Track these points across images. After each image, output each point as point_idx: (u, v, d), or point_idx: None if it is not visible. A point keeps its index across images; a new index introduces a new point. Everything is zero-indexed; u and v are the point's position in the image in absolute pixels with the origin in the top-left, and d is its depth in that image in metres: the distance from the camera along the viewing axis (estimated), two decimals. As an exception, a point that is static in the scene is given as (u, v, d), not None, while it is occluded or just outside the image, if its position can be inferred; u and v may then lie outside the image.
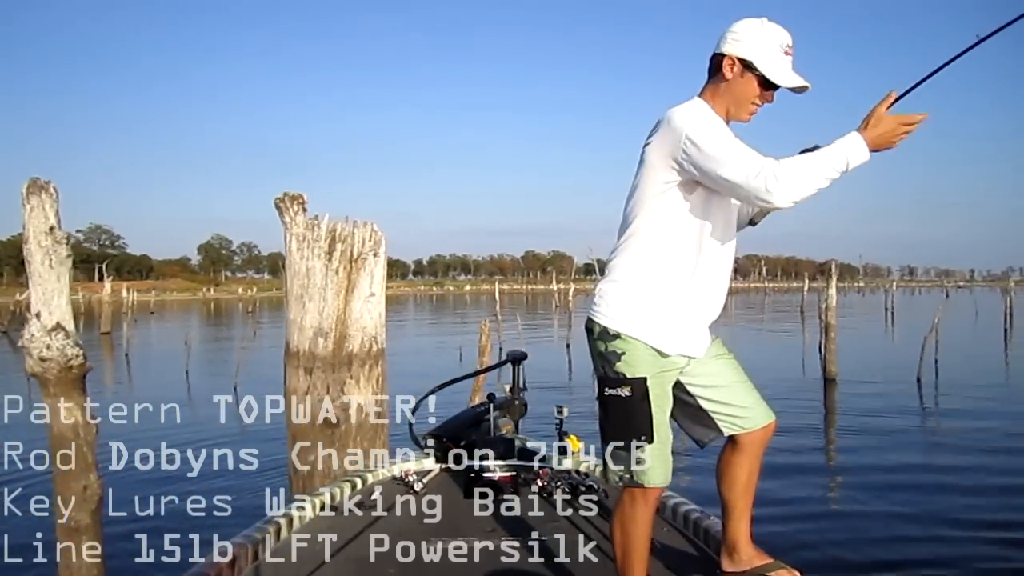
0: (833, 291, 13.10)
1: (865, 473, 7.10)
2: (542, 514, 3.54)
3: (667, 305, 2.33)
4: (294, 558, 2.98)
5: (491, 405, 4.32)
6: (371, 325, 4.15)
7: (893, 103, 2.18)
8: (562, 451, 4.09)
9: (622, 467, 2.29)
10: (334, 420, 4.04)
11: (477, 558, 3.00)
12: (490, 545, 3.11)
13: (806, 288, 53.08)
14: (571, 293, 28.40)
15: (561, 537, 3.05)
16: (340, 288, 4.06)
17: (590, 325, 2.35)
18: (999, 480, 6.78)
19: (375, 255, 4.16)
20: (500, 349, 18.81)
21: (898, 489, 6.44)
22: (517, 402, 4.43)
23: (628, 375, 2.28)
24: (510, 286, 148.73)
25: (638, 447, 2.27)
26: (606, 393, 2.30)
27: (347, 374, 4.07)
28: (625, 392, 2.27)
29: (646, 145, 2.27)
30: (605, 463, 2.35)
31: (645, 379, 2.29)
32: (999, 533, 5.36)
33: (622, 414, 2.29)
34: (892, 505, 6.03)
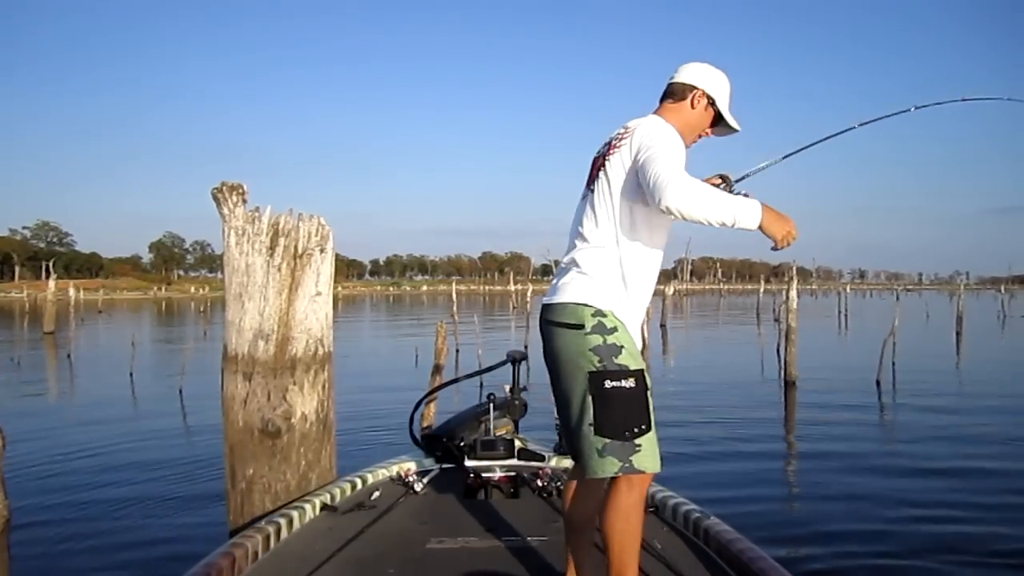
0: (794, 293, 12.97)
1: (829, 476, 6.93)
2: (542, 514, 3.50)
3: (638, 304, 2.50)
4: (294, 558, 2.94)
5: (491, 405, 4.32)
6: (317, 327, 3.83)
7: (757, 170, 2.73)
8: (562, 451, 4.06)
9: (619, 458, 2.32)
10: (275, 430, 3.71)
11: (477, 558, 2.96)
12: (490, 545, 3.09)
13: (761, 290, 53.49)
14: (529, 294, 28.09)
15: (561, 537, 2.96)
16: (283, 286, 3.73)
17: (573, 317, 2.39)
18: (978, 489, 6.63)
19: (322, 251, 3.84)
20: (456, 351, 18.51)
21: (870, 499, 6.28)
22: (517, 402, 4.40)
23: (632, 367, 2.36)
24: (467, 287, 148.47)
25: (637, 436, 2.33)
26: (607, 386, 2.33)
27: (290, 380, 3.74)
28: (629, 383, 2.34)
29: (611, 153, 2.45)
30: (593, 457, 2.33)
31: (643, 370, 2.39)
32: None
33: (624, 406, 2.34)
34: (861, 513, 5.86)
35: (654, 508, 3.42)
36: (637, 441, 2.33)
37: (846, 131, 3.07)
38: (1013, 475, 7.03)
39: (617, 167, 2.43)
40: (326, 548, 3.02)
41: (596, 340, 2.36)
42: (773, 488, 6.83)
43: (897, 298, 79.22)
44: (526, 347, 19.73)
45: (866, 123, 3.11)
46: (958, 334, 25.24)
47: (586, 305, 2.39)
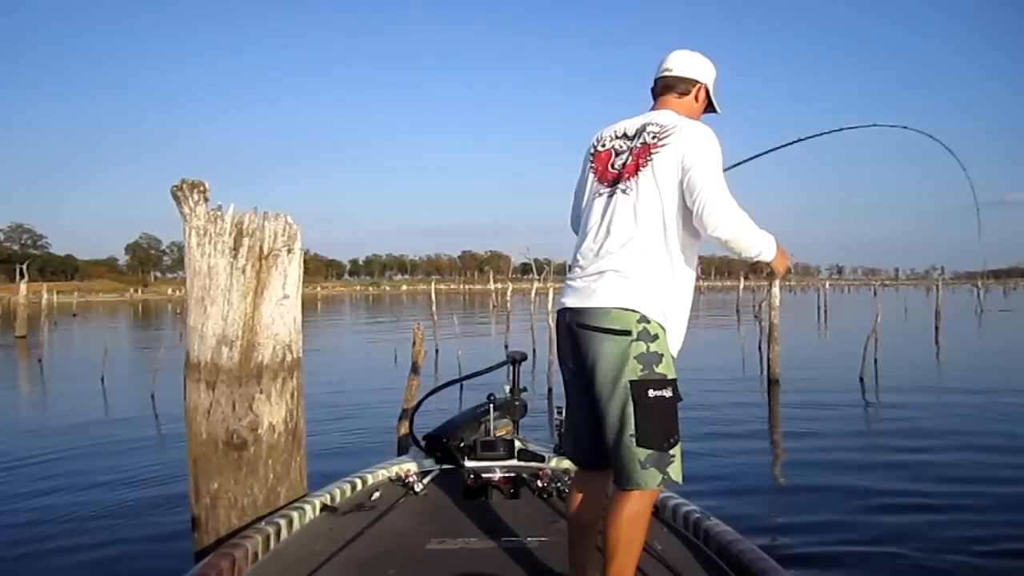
0: (777, 290, 12.82)
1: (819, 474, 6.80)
2: (542, 515, 3.49)
3: (683, 310, 2.47)
4: (294, 559, 2.93)
5: (491, 406, 4.30)
6: (284, 332, 3.61)
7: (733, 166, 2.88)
8: (562, 451, 3.99)
9: (659, 470, 2.31)
10: (241, 441, 3.50)
11: (477, 559, 2.96)
12: (490, 546, 3.09)
13: (741, 287, 53.59)
14: (509, 293, 27.90)
15: (561, 538, 2.99)
16: (248, 289, 3.51)
17: (621, 323, 2.32)
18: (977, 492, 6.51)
19: (289, 252, 3.62)
20: (436, 352, 18.32)
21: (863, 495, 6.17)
22: (517, 403, 4.38)
23: (669, 376, 2.34)
24: (447, 286, 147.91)
25: (672, 447, 2.33)
26: (651, 395, 2.30)
27: (256, 388, 3.52)
28: (668, 393, 2.32)
29: (653, 151, 2.41)
30: (636, 469, 2.30)
31: (676, 379, 2.37)
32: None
33: (664, 416, 2.32)
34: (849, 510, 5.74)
35: (653, 508, 3.32)
36: (671, 452, 2.33)
37: (786, 145, 3.46)
38: (996, 468, 7.08)
39: (664, 168, 2.39)
40: (326, 549, 3.01)
41: (641, 347, 2.31)
42: (759, 483, 6.76)
43: (875, 293, 79.71)
44: (507, 346, 19.64)
45: (802, 140, 3.49)
46: (937, 329, 25.28)
47: (632, 310, 2.33)
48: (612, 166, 2.53)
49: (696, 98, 2.64)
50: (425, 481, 3.87)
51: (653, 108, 2.64)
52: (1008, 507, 5.84)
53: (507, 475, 3.83)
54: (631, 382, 2.29)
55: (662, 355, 2.33)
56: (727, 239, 2.33)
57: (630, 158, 2.47)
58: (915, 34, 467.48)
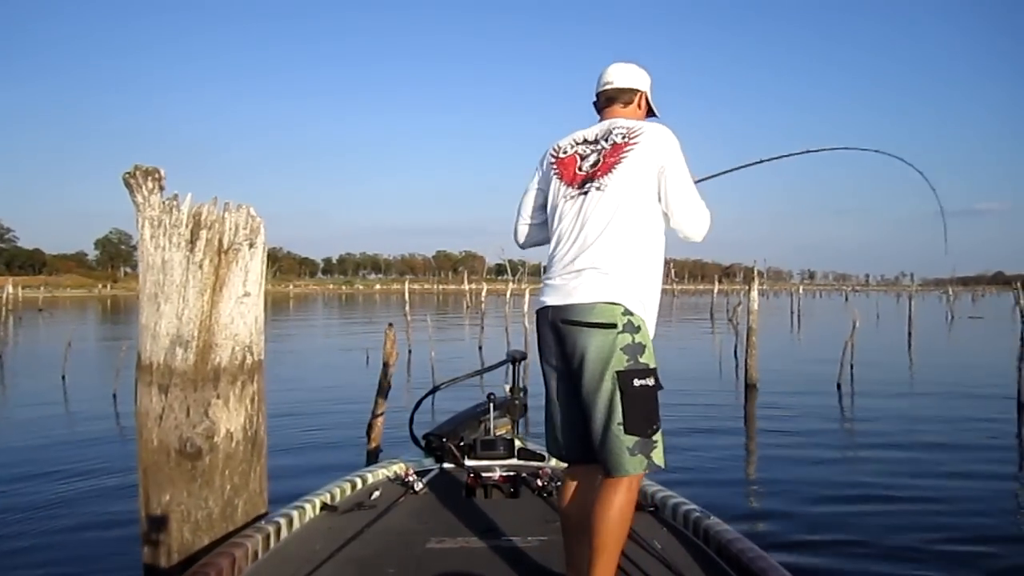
0: (755, 294, 12.67)
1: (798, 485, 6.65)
2: (542, 514, 3.47)
3: (656, 302, 2.56)
4: (294, 558, 2.92)
5: (491, 405, 4.31)
6: (244, 332, 3.35)
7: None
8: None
9: (643, 457, 2.39)
10: (195, 450, 3.23)
11: (477, 558, 2.95)
12: (490, 545, 3.07)
13: (715, 290, 53.74)
14: (483, 293, 27.63)
15: (560, 537, 2.93)
16: (205, 286, 3.25)
17: (606, 317, 2.40)
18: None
19: (251, 246, 3.36)
20: (409, 353, 18.05)
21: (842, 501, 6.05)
22: (517, 402, 4.39)
23: (651, 365, 2.44)
24: (421, 286, 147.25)
25: (655, 433, 2.42)
26: (636, 384, 2.39)
27: (213, 392, 3.26)
28: (651, 382, 2.42)
29: (621, 154, 2.54)
30: (624, 455, 2.37)
31: (656, 368, 2.47)
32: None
33: (647, 404, 2.41)
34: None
35: (653, 508, 3.43)
36: (655, 438, 2.42)
37: (751, 164, 3.64)
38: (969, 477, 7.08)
39: (638, 165, 2.51)
40: (326, 548, 2.99)
41: (627, 339, 2.41)
42: (739, 488, 6.57)
43: (846, 299, 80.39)
44: (481, 347, 19.43)
45: (766, 160, 3.68)
46: (910, 335, 25.40)
47: (616, 304, 2.42)
48: (580, 169, 2.63)
49: (639, 105, 2.79)
50: (425, 480, 3.85)
51: (601, 120, 2.77)
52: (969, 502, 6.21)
53: (507, 474, 3.79)
54: (618, 373, 2.38)
55: (645, 345, 2.44)
56: (698, 239, 2.64)
57: (600, 158, 2.58)
58: (884, 45, 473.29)
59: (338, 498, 3.62)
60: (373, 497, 3.62)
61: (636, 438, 2.37)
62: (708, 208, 2.61)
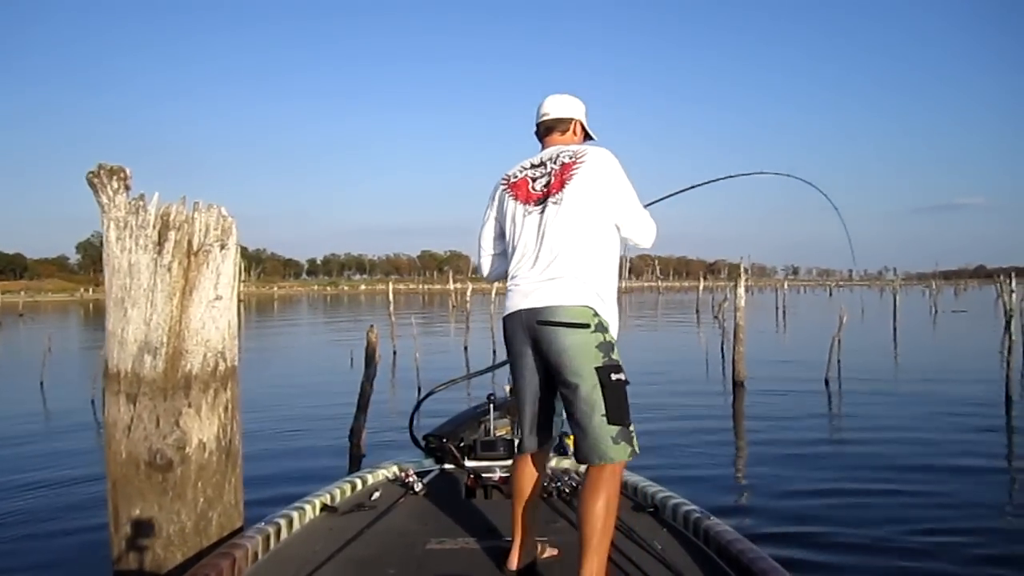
0: (742, 291, 12.55)
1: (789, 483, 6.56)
2: (541, 515, 3.37)
3: (615, 303, 2.80)
4: (294, 559, 2.91)
5: (490, 406, 4.32)
6: (216, 337, 3.21)
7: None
8: (562, 451, 4.19)
9: (626, 444, 2.58)
10: (166, 462, 3.09)
11: (477, 558, 2.96)
12: (490, 545, 3.07)
13: (701, 287, 53.77)
14: (468, 293, 27.47)
15: (560, 537, 3.07)
16: (174, 290, 3.10)
17: (581, 318, 2.63)
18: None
19: (223, 247, 3.22)
20: (394, 354, 17.87)
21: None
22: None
23: (620, 362, 2.66)
24: (406, 286, 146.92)
25: (631, 422, 2.62)
26: (613, 378, 2.60)
27: (184, 401, 3.11)
28: (623, 376, 2.64)
29: (570, 173, 2.78)
30: (609, 445, 2.55)
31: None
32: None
33: (623, 396, 2.62)
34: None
35: (654, 508, 3.45)
36: (631, 427, 2.62)
37: (682, 191, 4.14)
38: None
39: (587, 181, 2.75)
40: (326, 549, 2.99)
41: (600, 338, 2.63)
42: (730, 485, 6.47)
43: (830, 294, 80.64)
44: (466, 347, 19.28)
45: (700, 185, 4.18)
46: (895, 330, 25.44)
47: (587, 307, 2.65)
48: (533, 189, 2.87)
49: (574, 132, 3.05)
50: (425, 481, 3.85)
51: (543, 147, 3.02)
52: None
53: (507, 475, 3.72)
54: (596, 368, 2.59)
55: (613, 343, 2.67)
56: (647, 246, 2.96)
57: (552, 178, 2.81)
58: (864, 36, 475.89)
59: (338, 499, 3.61)
60: (373, 498, 3.62)
61: (618, 427, 2.57)
62: (655, 218, 2.94)
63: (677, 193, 4.12)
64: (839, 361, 13.26)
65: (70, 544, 5.22)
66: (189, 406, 3.13)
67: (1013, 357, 10.44)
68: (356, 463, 5.91)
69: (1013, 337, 10.30)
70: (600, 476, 2.57)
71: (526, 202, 2.86)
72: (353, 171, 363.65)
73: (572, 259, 2.69)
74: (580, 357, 2.59)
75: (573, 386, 2.59)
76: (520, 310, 2.73)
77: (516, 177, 2.95)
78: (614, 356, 2.64)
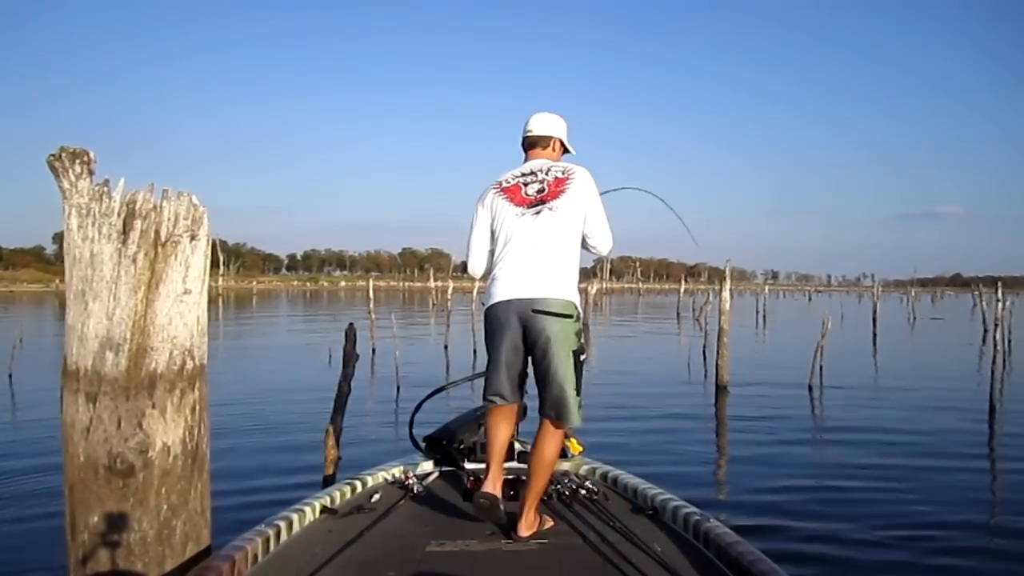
0: (727, 294, 12.43)
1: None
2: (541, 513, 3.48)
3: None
4: (293, 561, 2.91)
5: None
6: (184, 334, 3.00)
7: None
8: (562, 454, 4.19)
9: (583, 411, 3.27)
10: (127, 467, 2.88)
11: (477, 561, 2.98)
12: (489, 548, 3.10)
13: (682, 290, 53.80)
14: (450, 291, 27.22)
15: (560, 540, 3.14)
16: (139, 282, 2.89)
17: (568, 310, 3.25)
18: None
19: (193, 238, 3.01)
20: (373, 351, 17.64)
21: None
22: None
23: (586, 346, 3.40)
24: (387, 283, 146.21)
25: (581, 394, 3.28)
26: (581, 359, 3.27)
27: (147, 402, 2.90)
28: (584, 356, 3.32)
29: (563, 187, 3.37)
30: (575, 411, 3.24)
31: None
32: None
33: (582, 373, 3.28)
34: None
35: (653, 511, 3.47)
36: (581, 398, 3.28)
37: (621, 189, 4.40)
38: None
39: (575, 196, 3.36)
40: (325, 551, 2.98)
41: (578, 326, 3.28)
42: (714, 489, 6.36)
43: (810, 299, 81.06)
44: (447, 347, 19.06)
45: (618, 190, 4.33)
46: (875, 336, 25.49)
47: (571, 301, 3.26)
48: (527, 193, 3.38)
49: (554, 148, 3.60)
50: (425, 483, 3.87)
51: (527, 158, 3.58)
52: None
53: (506, 477, 3.68)
54: (573, 351, 3.24)
55: (582, 331, 3.30)
56: (605, 255, 3.65)
57: (546, 187, 3.36)
58: (843, 42, 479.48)
59: (338, 501, 3.63)
60: (373, 500, 3.62)
61: (580, 398, 3.25)
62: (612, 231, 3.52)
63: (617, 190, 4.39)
64: (821, 367, 13.21)
65: (23, 551, 4.97)
66: (153, 407, 2.92)
67: (997, 366, 10.40)
68: (333, 465, 5.71)
69: (998, 347, 10.24)
70: (555, 434, 3.27)
71: (520, 204, 3.35)
72: (335, 167, 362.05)
73: (561, 259, 3.28)
74: (564, 342, 3.21)
75: (555, 363, 3.20)
76: (515, 298, 3.25)
77: (508, 183, 3.45)
78: (582, 341, 3.30)
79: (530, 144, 3.58)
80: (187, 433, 3.02)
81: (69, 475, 2.95)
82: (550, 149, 3.57)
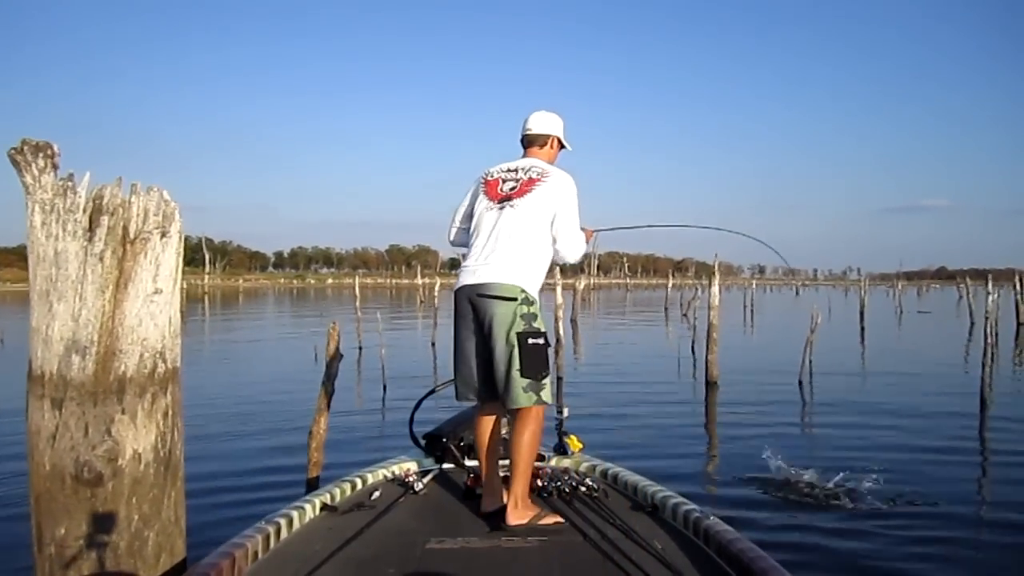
0: (716, 289, 12.31)
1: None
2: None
3: (538, 290, 3.47)
4: (294, 558, 2.91)
5: None
6: (155, 335, 2.86)
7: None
8: (562, 451, 4.32)
9: (534, 394, 3.27)
10: (95, 476, 2.74)
11: (477, 558, 2.98)
12: (490, 545, 3.10)
13: (670, 285, 53.80)
14: (437, 288, 27.05)
15: (560, 537, 3.14)
16: (107, 282, 2.75)
17: (510, 293, 3.32)
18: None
19: (164, 235, 2.87)
20: (359, 350, 17.48)
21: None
22: None
23: (542, 329, 3.36)
24: (374, 280, 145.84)
25: (544, 378, 3.31)
26: (530, 343, 3.29)
27: (116, 407, 2.76)
28: (541, 341, 3.33)
29: (532, 186, 3.50)
30: (519, 393, 3.26)
31: (546, 332, 3.40)
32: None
33: (538, 357, 3.31)
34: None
35: (652, 508, 3.48)
36: (543, 381, 3.31)
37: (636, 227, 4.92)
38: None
39: (541, 197, 3.47)
40: (326, 548, 2.99)
41: (523, 309, 3.32)
42: (705, 486, 6.25)
43: (797, 293, 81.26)
44: (434, 344, 18.92)
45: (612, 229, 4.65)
46: (863, 329, 25.50)
47: (515, 285, 3.34)
48: (501, 190, 3.54)
49: (551, 146, 3.74)
50: (425, 480, 3.88)
51: (524, 155, 3.72)
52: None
53: (507, 474, 3.69)
54: (517, 334, 3.28)
55: (536, 315, 3.35)
56: (572, 263, 3.68)
57: (517, 185, 3.50)
58: (833, 37, 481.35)
59: (338, 498, 3.63)
60: (373, 497, 3.62)
61: (528, 380, 3.25)
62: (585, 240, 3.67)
63: (625, 228, 4.80)
64: (811, 361, 13.14)
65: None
66: (123, 412, 2.78)
67: (987, 358, 10.34)
68: (317, 467, 5.57)
69: (988, 339, 10.17)
70: (525, 417, 3.30)
71: (491, 199, 3.53)
72: (321, 164, 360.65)
73: (510, 251, 3.38)
74: (506, 324, 3.28)
75: (498, 345, 3.29)
76: (466, 285, 3.42)
77: (493, 176, 3.62)
78: (535, 325, 3.31)
79: (528, 142, 3.73)
80: (159, 439, 2.89)
81: (35, 485, 2.81)
82: (547, 148, 3.72)
